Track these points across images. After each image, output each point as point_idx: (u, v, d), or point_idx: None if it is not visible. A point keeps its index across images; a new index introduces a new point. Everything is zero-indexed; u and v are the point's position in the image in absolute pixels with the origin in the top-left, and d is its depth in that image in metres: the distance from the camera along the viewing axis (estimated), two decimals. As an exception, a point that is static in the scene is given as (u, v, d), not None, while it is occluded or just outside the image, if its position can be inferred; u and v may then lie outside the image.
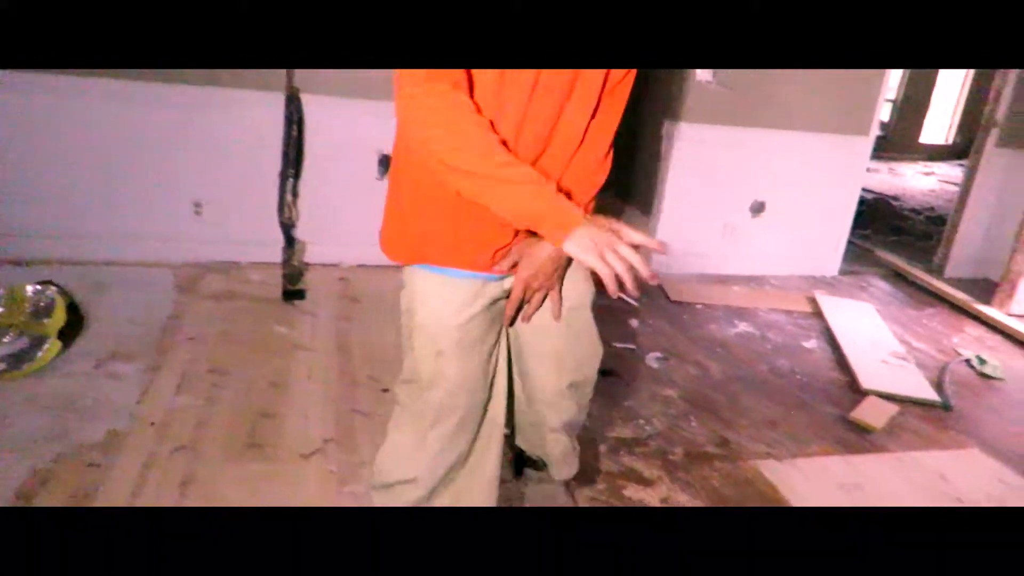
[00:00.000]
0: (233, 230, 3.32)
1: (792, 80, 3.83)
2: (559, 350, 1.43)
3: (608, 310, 3.30)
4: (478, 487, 1.43)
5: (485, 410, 1.42)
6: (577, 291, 1.42)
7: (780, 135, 3.94)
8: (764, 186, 4.04)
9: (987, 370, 3.18)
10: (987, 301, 3.96)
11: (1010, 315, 3.84)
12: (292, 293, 3.03)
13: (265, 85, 3.10)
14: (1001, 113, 4.19)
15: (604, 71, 1.24)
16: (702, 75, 3.67)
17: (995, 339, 3.65)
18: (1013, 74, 4.13)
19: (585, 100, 1.25)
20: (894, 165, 9.89)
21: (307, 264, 3.33)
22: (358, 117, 3.28)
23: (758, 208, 4.07)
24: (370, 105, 3.22)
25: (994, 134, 4.22)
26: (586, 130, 1.29)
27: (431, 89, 1.11)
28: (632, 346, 3.04)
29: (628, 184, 4.36)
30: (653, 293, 3.61)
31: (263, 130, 3.14)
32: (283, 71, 3.00)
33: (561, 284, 1.38)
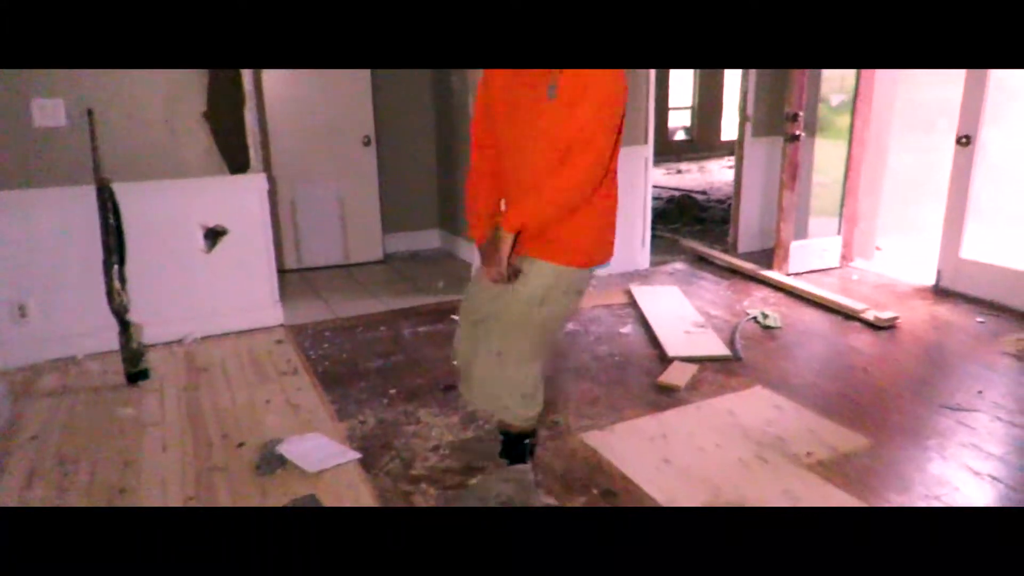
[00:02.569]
0: (63, 326, 3.33)
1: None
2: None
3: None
4: None
5: None
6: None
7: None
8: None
9: (769, 323, 3.78)
10: (771, 267, 4.65)
11: (787, 275, 4.54)
12: (135, 375, 3.09)
13: (73, 180, 3.18)
14: (750, 110, 4.96)
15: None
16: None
17: (777, 296, 4.31)
18: (753, 77, 4.91)
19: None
20: (703, 163, 11.05)
21: (147, 345, 3.40)
22: (173, 197, 3.43)
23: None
24: (182, 183, 3.40)
25: (749, 128, 4.99)
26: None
27: None
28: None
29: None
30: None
31: (77, 223, 3.21)
32: (90, 163, 3.09)
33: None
